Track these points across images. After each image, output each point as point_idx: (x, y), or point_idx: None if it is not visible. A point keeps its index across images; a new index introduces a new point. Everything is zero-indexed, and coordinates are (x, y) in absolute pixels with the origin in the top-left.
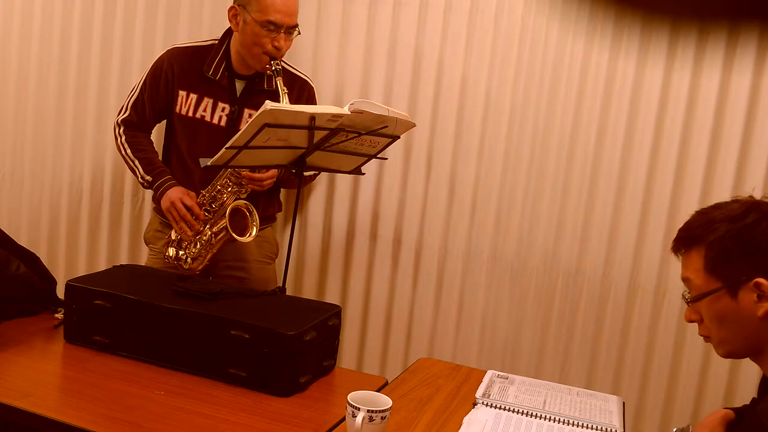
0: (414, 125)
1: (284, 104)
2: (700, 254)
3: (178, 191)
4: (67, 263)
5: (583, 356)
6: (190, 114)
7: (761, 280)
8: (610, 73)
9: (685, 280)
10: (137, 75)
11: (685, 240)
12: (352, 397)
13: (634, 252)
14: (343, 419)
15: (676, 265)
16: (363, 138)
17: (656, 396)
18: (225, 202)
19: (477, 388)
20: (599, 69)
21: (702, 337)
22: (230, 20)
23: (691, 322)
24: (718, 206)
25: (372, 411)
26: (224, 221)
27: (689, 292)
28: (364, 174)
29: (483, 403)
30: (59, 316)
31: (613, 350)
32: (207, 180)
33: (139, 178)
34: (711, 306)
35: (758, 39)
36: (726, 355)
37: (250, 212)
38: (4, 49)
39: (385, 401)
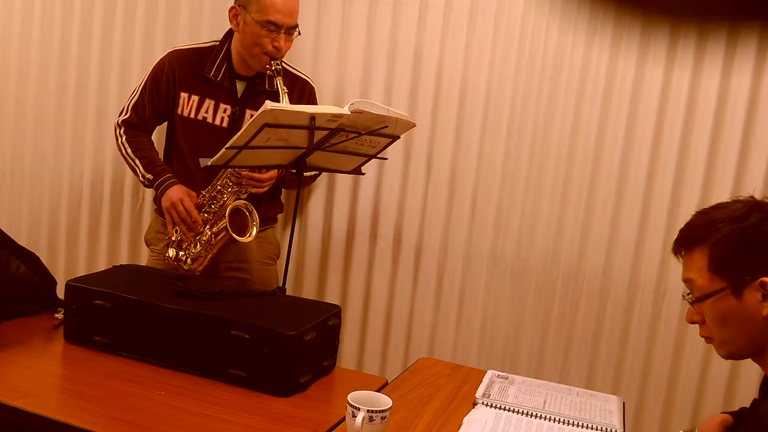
0: (414, 125)
1: (284, 104)
2: (704, 254)
3: (178, 191)
4: (67, 263)
5: (583, 356)
6: (192, 116)
7: (767, 279)
8: (610, 73)
9: (687, 280)
10: (137, 75)
11: (688, 240)
12: (352, 397)
13: (634, 252)
14: (343, 419)
15: (676, 265)
16: (363, 138)
17: (656, 396)
18: (225, 202)
19: (477, 388)
20: (599, 69)
21: (703, 338)
22: (230, 20)
23: (693, 323)
24: (719, 206)
25: (372, 411)
26: (224, 221)
27: (690, 293)
28: (364, 174)
29: (483, 403)
30: (59, 316)
31: (613, 350)
32: (209, 181)
33: (140, 177)
34: (714, 306)
35: (758, 39)
36: (728, 356)
37: (249, 212)
38: (4, 49)
39: (385, 401)
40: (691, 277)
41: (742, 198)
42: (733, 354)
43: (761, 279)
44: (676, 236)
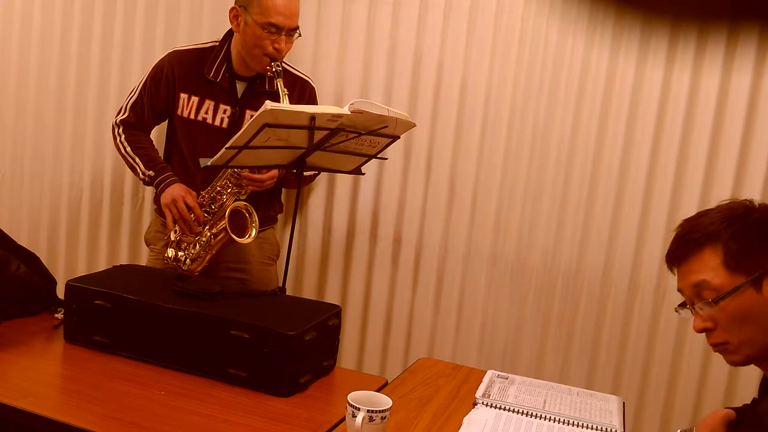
0: (414, 125)
1: (284, 104)
2: (716, 252)
3: (179, 188)
4: (67, 263)
5: (583, 356)
6: (192, 116)
7: None
8: (610, 73)
9: (698, 284)
10: (137, 75)
11: (696, 241)
12: (352, 397)
13: (634, 252)
14: (343, 419)
15: None
16: (363, 138)
17: (656, 396)
18: (224, 203)
19: (477, 388)
20: (599, 69)
21: (713, 346)
22: (231, 21)
23: (704, 331)
24: (708, 211)
25: (372, 411)
26: (223, 222)
27: (685, 302)
28: (364, 174)
29: (483, 403)
30: (59, 316)
31: (613, 350)
32: (208, 182)
33: (140, 175)
34: (734, 303)
35: (758, 39)
36: (744, 361)
37: (249, 213)
38: (5, 50)
39: (385, 401)
40: (705, 279)
41: (725, 202)
42: (751, 356)
43: None
44: (672, 247)
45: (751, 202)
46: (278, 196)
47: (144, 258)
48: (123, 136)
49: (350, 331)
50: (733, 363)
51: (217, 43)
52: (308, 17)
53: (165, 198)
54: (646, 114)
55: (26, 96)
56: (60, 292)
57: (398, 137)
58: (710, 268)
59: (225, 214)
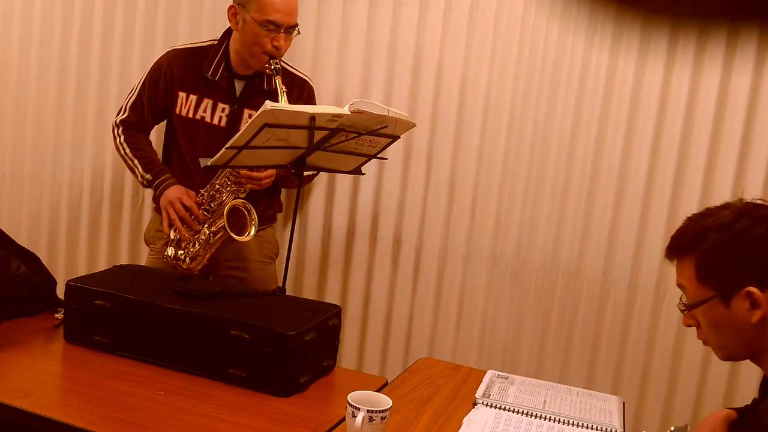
0: (414, 125)
1: (284, 104)
2: (691, 263)
3: (177, 190)
4: (67, 263)
5: (583, 356)
6: (190, 115)
7: (752, 288)
8: (610, 73)
9: (680, 286)
10: (137, 75)
11: (677, 249)
12: (352, 397)
13: (634, 252)
14: (343, 419)
15: None
16: (363, 138)
17: (656, 396)
18: (223, 201)
19: (477, 388)
20: (599, 69)
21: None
22: (230, 19)
23: (689, 326)
24: (709, 213)
25: (372, 411)
26: (222, 221)
27: (685, 298)
28: (364, 174)
29: (483, 403)
30: (59, 316)
31: (613, 350)
32: (207, 181)
33: (139, 177)
34: (705, 313)
35: (758, 39)
36: (725, 359)
37: (248, 211)
38: (5, 49)
39: (385, 401)
40: (683, 284)
41: (732, 203)
42: (731, 357)
43: (747, 288)
44: (669, 243)
45: (746, 209)
46: (277, 195)
47: (144, 258)
48: (122, 137)
49: (350, 331)
50: (719, 358)
51: (216, 42)
52: (308, 17)
53: (163, 201)
54: (646, 114)
55: (26, 96)
56: (60, 292)
57: (398, 137)
58: (687, 276)
59: (223, 212)
